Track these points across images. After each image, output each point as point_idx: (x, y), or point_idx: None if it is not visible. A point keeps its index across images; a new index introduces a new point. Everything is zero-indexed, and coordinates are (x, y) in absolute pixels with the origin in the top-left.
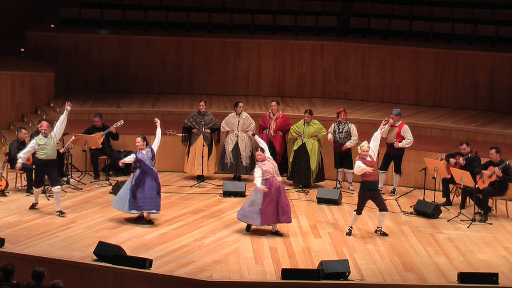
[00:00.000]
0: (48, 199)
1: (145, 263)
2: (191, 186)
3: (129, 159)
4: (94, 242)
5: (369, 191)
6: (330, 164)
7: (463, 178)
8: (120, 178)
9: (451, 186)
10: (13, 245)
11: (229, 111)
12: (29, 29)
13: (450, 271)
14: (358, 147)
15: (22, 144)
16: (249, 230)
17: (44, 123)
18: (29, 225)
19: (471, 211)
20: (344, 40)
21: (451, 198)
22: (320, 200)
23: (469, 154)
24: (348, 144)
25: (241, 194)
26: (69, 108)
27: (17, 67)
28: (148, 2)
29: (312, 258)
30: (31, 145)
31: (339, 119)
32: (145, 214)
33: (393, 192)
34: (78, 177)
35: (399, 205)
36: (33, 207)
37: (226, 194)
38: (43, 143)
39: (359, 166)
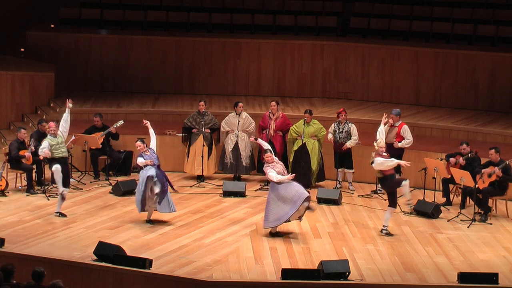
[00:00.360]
0: (48, 199)
1: (145, 263)
2: (191, 186)
3: (143, 162)
4: (94, 242)
5: (392, 182)
6: (330, 164)
7: (463, 178)
8: (120, 178)
9: (451, 186)
10: (13, 245)
11: (229, 111)
12: (29, 29)
13: (450, 271)
14: (375, 143)
15: (21, 144)
16: (275, 233)
17: (52, 124)
18: (29, 225)
19: (471, 211)
20: (344, 40)
21: (451, 198)
22: (320, 200)
23: (469, 154)
24: (348, 144)
25: (241, 194)
26: (70, 105)
27: (17, 67)
28: (148, 2)
29: (312, 258)
30: (46, 145)
31: (339, 119)
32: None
33: None
34: (78, 177)
35: (399, 205)
36: (64, 215)
37: (226, 194)
38: (55, 143)
39: (390, 161)
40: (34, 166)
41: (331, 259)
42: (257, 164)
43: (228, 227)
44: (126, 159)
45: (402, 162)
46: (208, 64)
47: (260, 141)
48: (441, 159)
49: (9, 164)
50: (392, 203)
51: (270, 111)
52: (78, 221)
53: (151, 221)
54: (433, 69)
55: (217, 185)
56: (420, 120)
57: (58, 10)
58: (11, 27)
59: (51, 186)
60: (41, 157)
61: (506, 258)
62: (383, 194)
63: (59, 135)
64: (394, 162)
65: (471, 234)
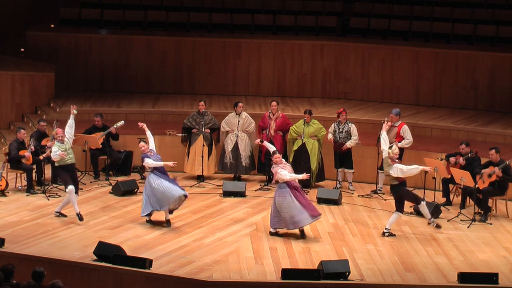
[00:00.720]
0: (48, 199)
1: (145, 263)
2: (191, 186)
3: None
4: (94, 242)
5: (404, 191)
6: (330, 164)
7: (463, 178)
8: (120, 178)
9: (451, 186)
10: (13, 245)
11: (229, 111)
12: (29, 29)
13: (450, 271)
14: (390, 151)
15: (21, 144)
16: (275, 233)
17: (59, 130)
18: (29, 225)
19: (471, 211)
20: (344, 40)
21: (451, 198)
22: (320, 200)
23: (469, 154)
24: (348, 144)
25: (241, 194)
26: (75, 112)
27: (17, 67)
28: (148, 2)
29: (312, 258)
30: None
31: (340, 119)
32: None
33: None
34: (78, 177)
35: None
36: (82, 218)
37: (226, 194)
38: (63, 150)
39: (415, 168)
40: (34, 166)
41: (331, 259)
42: (257, 164)
43: (228, 227)
44: (126, 159)
45: (426, 168)
46: (208, 64)
47: (266, 143)
48: (441, 159)
49: (9, 164)
50: (399, 208)
51: (270, 111)
52: (78, 221)
53: (151, 221)
54: (433, 69)
55: (217, 185)
56: (420, 120)
57: (58, 10)
58: (11, 27)
59: (51, 186)
60: (41, 157)
61: (506, 258)
62: (383, 194)
63: (66, 142)
64: (418, 169)
65: (471, 234)
